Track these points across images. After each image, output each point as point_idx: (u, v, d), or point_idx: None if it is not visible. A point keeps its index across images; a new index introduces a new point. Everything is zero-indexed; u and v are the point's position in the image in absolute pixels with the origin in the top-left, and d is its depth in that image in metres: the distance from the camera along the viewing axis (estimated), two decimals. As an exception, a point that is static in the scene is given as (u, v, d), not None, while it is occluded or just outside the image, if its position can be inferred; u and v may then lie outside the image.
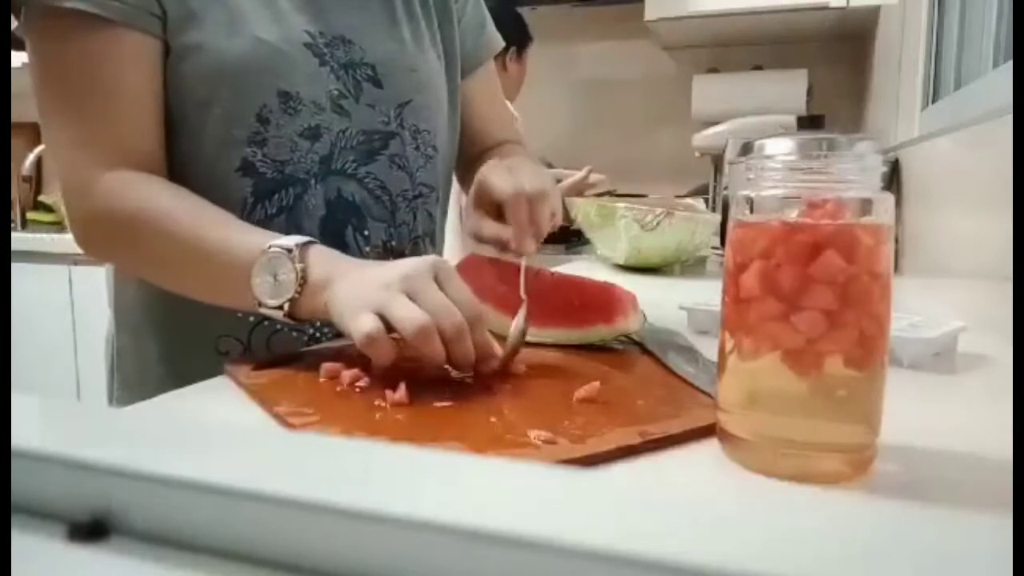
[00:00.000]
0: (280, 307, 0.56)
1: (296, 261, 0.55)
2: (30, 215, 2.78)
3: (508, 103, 1.28)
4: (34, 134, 2.62)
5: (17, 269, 2.21)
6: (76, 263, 2.21)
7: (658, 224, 1.14)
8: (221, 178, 0.68)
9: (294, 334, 0.71)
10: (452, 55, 0.84)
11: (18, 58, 2.06)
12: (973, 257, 0.84)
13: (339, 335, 0.56)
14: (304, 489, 0.19)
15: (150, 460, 0.20)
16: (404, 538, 0.17)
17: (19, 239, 2.30)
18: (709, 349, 0.51)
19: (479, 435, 0.42)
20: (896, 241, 0.94)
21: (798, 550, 0.16)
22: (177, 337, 0.73)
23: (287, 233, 0.60)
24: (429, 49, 0.80)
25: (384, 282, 0.51)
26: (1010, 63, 0.79)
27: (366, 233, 0.73)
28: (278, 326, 0.70)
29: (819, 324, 0.35)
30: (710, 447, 0.40)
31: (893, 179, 1.28)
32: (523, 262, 0.63)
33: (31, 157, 2.68)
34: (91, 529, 0.20)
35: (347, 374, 0.51)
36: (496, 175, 0.65)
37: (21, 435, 0.22)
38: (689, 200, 1.68)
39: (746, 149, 1.36)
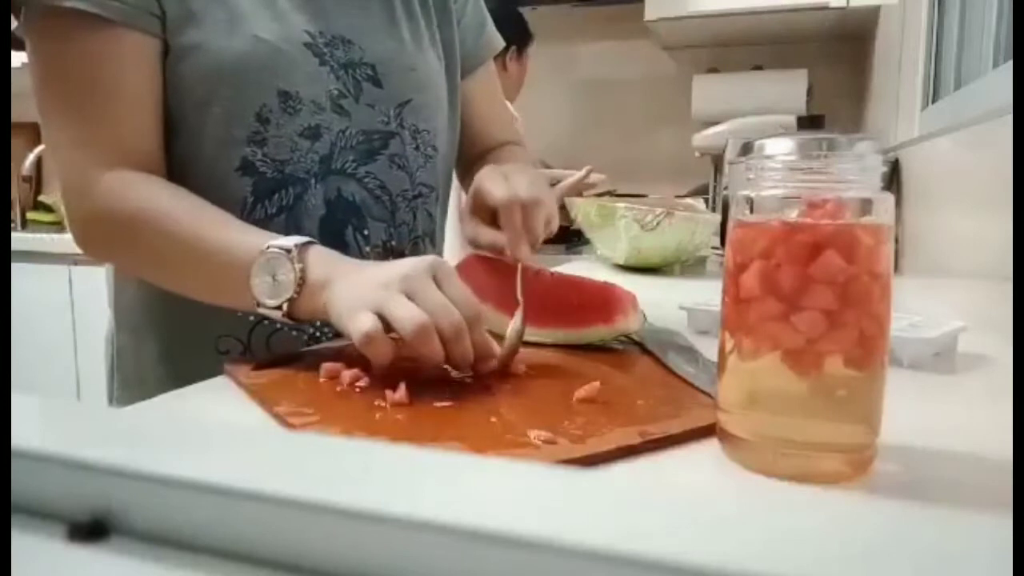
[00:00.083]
0: (279, 307, 0.56)
1: (295, 261, 0.55)
2: (30, 215, 2.78)
3: (508, 103, 1.28)
4: (34, 134, 2.62)
5: (17, 269, 2.21)
6: (76, 263, 2.21)
7: (658, 224, 1.14)
8: (221, 178, 0.68)
9: (294, 334, 0.71)
10: (452, 55, 0.84)
11: (18, 58, 2.06)
12: (973, 257, 0.84)
13: (339, 335, 0.56)
14: (304, 489, 0.19)
15: (150, 460, 0.20)
16: (404, 538, 0.17)
17: (19, 239, 2.30)
18: (709, 349, 0.51)
19: (479, 435, 0.42)
20: (896, 241, 0.94)
21: (798, 550, 0.16)
22: (177, 337, 0.73)
23: (287, 233, 0.60)
24: (428, 49, 0.80)
25: (383, 282, 0.51)
26: (1010, 63, 0.79)
27: (366, 233, 0.73)
28: (278, 325, 0.70)
29: (819, 324, 0.35)
30: (710, 447, 0.40)
31: (893, 179, 1.28)
32: (520, 264, 0.63)
33: (31, 157, 2.68)
34: (91, 529, 0.20)
35: (347, 374, 0.51)
36: (491, 182, 0.65)
37: (21, 435, 0.22)
38: (689, 200, 1.68)
39: (746, 149, 1.36)
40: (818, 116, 2.01)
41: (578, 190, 1.75)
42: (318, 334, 0.73)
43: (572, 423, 0.43)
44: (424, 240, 0.80)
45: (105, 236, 0.66)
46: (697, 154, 1.97)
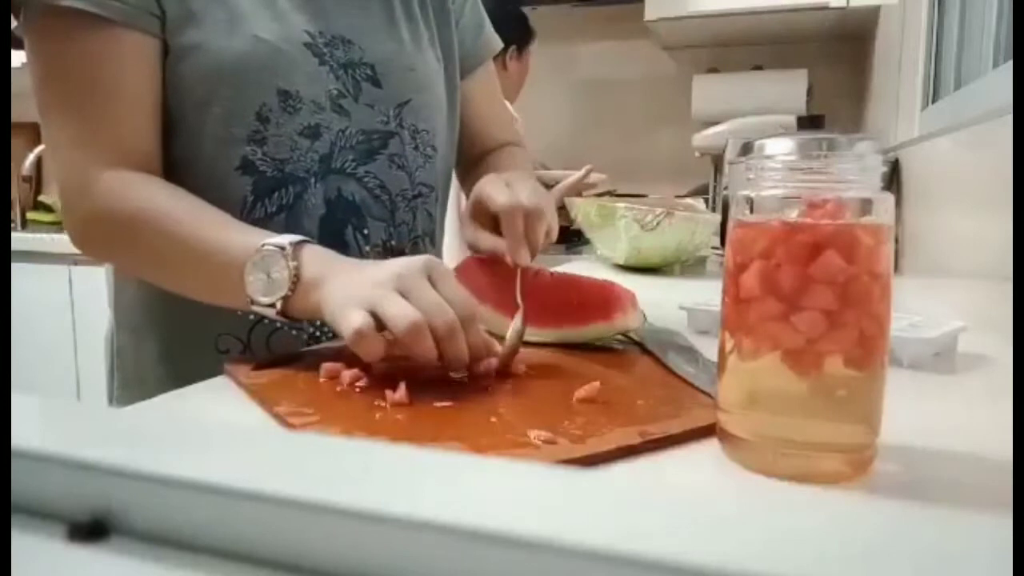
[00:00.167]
0: (272, 305, 0.56)
1: (289, 259, 0.55)
2: (30, 215, 2.78)
3: (508, 103, 1.28)
4: (34, 134, 2.62)
5: (17, 269, 2.21)
6: (76, 263, 2.21)
7: (658, 224, 1.14)
8: (221, 177, 0.68)
9: (294, 333, 0.71)
10: (450, 56, 0.84)
11: (18, 58, 2.06)
12: (973, 257, 0.84)
13: (339, 335, 0.56)
14: (304, 489, 0.19)
15: (150, 460, 0.20)
16: (404, 538, 0.17)
17: (19, 239, 2.30)
18: (709, 349, 0.51)
19: (479, 435, 0.42)
20: (896, 241, 0.94)
21: (798, 550, 0.16)
22: (177, 336, 0.73)
23: (287, 232, 0.60)
24: (428, 49, 0.80)
25: (377, 280, 0.51)
26: (1010, 63, 0.79)
27: (366, 232, 0.74)
28: (278, 325, 0.70)
29: (819, 324, 0.35)
30: (710, 447, 0.40)
31: (893, 179, 1.28)
32: (519, 271, 0.63)
33: (31, 157, 2.68)
34: (91, 529, 0.20)
35: (347, 374, 0.51)
36: (494, 188, 0.65)
37: (21, 435, 0.22)
38: (689, 200, 1.68)
39: (746, 149, 1.36)
40: (818, 116, 2.01)
41: (578, 190, 1.75)
42: (318, 334, 0.73)
43: (572, 423, 0.43)
44: (424, 240, 0.80)
45: (105, 236, 0.66)
46: (697, 154, 1.97)
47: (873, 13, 1.88)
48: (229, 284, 0.58)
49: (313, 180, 0.70)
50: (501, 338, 0.56)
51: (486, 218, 0.66)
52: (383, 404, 0.46)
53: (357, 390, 0.50)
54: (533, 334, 0.61)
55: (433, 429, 0.43)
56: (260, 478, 0.19)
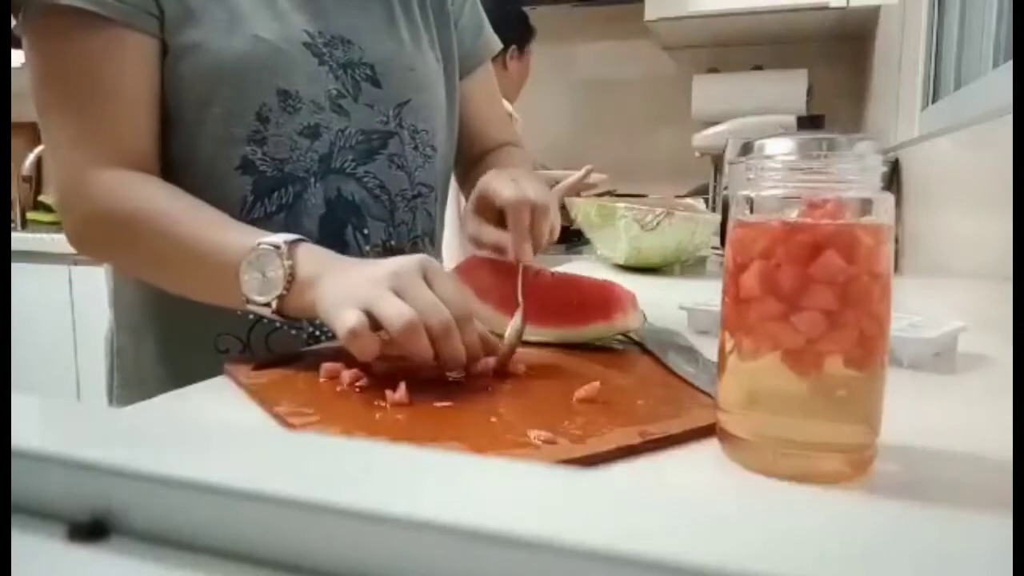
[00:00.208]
0: (268, 304, 0.56)
1: (284, 258, 0.55)
2: (30, 215, 2.78)
3: (508, 104, 1.28)
4: (34, 134, 2.62)
5: (17, 269, 2.21)
6: (76, 263, 2.21)
7: (658, 224, 1.14)
8: (220, 176, 0.68)
9: (293, 332, 0.71)
10: (450, 57, 0.84)
11: (18, 58, 2.06)
12: (973, 257, 0.84)
13: (339, 335, 0.56)
14: (304, 489, 0.19)
15: (150, 460, 0.20)
16: (404, 538, 0.17)
17: (19, 239, 2.30)
18: (709, 349, 0.51)
19: (479, 435, 0.42)
20: (896, 241, 0.94)
21: (798, 550, 0.16)
22: (176, 335, 0.73)
23: (286, 232, 0.60)
24: (428, 50, 0.80)
25: (372, 279, 0.51)
26: (1010, 63, 0.79)
27: (366, 232, 0.74)
28: (277, 324, 0.70)
29: (819, 324, 0.35)
30: (710, 447, 0.40)
31: (893, 179, 1.28)
32: (521, 264, 0.63)
33: (31, 157, 2.68)
34: (91, 529, 0.20)
35: (347, 374, 0.51)
36: (500, 182, 0.65)
37: (21, 435, 0.22)
38: (689, 200, 1.68)
39: (746, 149, 1.36)
40: (818, 116, 2.01)
41: (578, 190, 1.75)
42: (317, 333, 0.73)
43: (572, 423, 0.43)
44: (423, 239, 0.80)
45: (103, 236, 0.66)
46: (697, 154, 1.97)
47: (873, 13, 1.88)
48: (226, 284, 0.58)
49: (313, 180, 0.70)
50: (501, 337, 0.56)
51: (490, 213, 0.66)
52: (383, 404, 0.46)
53: (357, 390, 0.50)
54: (533, 334, 0.61)
55: (433, 429, 0.43)
56: (260, 478, 0.19)
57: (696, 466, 0.39)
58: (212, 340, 0.71)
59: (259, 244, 0.57)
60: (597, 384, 0.48)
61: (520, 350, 0.57)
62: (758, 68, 2.16)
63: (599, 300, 0.64)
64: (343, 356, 0.54)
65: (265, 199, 0.69)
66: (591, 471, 0.27)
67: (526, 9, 2.07)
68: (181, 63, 0.65)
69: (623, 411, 0.46)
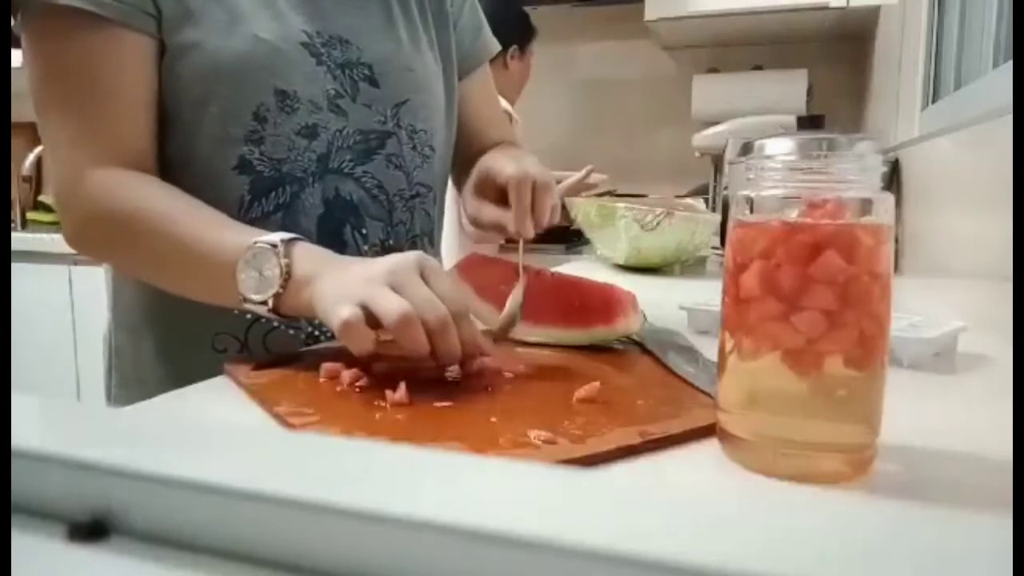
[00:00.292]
0: (264, 302, 0.56)
1: (281, 256, 0.55)
2: (30, 215, 2.78)
3: (508, 105, 1.28)
4: (34, 134, 2.61)
5: (17, 269, 2.21)
6: (76, 263, 2.21)
7: (658, 224, 1.14)
8: (218, 176, 0.68)
9: (291, 332, 0.71)
10: (448, 58, 0.84)
11: (18, 58, 2.06)
12: (973, 257, 0.84)
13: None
14: (304, 489, 0.19)
15: (150, 460, 0.20)
16: (404, 538, 0.17)
17: (19, 239, 2.30)
18: (709, 349, 0.51)
19: (479, 435, 0.42)
20: (896, 241, 0.94)
21: (798, 550, 0.16)
22: (174, 335, 0.73)
23: (284, 231, 0.60)
24: (426, 51, 0.80)
25: (368, 277, 0.51)
26: (1010, 63, 0.79)
27: (364, 232, 0.74)
28: (275, 324, 0.70)
29: (819, 324, 0.35)
30: (710, 447, 0.40)
31: (893, 179, 1.28)
32: (522, 241, 0.63)
33: (31, 157, 2.68)
34: (91, 529, 0.20)
35: (347, 374, 0.51)
36: (502, 160, 0.66)
37: (21, 435, 0.22)
38: (689, 200, 1.68)
39: (746, 149, 1.36)
40: (818, 116, 2.01)
41: (578, 190, 1.75)
42: (316, 333, 0.73)
43: (572, 423, 0.43)
44: (422, 239, 0.80)
45: (101, 236, 0.65)
46: (697, 154, 1.97)
47: (873, 13, 1.89)
48: (224, 283, 0.58)
49: (311, 180, 0.70)
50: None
51: (491, 192, 0.66)
52: (383, 404, 0.46)
53: (357, 390, 0.50)
54: (533, 335, 0.61)
55: (433, 429, 0.43)
56: (260, 478, 0.19)
57: (696, 466, 0.39)
58: (210, 340, 0.71)
59: (255, 243, 0.57)
60: (597, 384, 0.48)
61: (520, 350, 0.57)
62: (758, 68, 2.16)
63: (600, 303, 0.63)
64: (343, 356, 0.54)
65: (263, 199, 0.69)
66: (591, 471, 0.27)
67: (527, 9, 2.07)
68: (179, 63, 0.65)
69: (623, 411, 0.46)
